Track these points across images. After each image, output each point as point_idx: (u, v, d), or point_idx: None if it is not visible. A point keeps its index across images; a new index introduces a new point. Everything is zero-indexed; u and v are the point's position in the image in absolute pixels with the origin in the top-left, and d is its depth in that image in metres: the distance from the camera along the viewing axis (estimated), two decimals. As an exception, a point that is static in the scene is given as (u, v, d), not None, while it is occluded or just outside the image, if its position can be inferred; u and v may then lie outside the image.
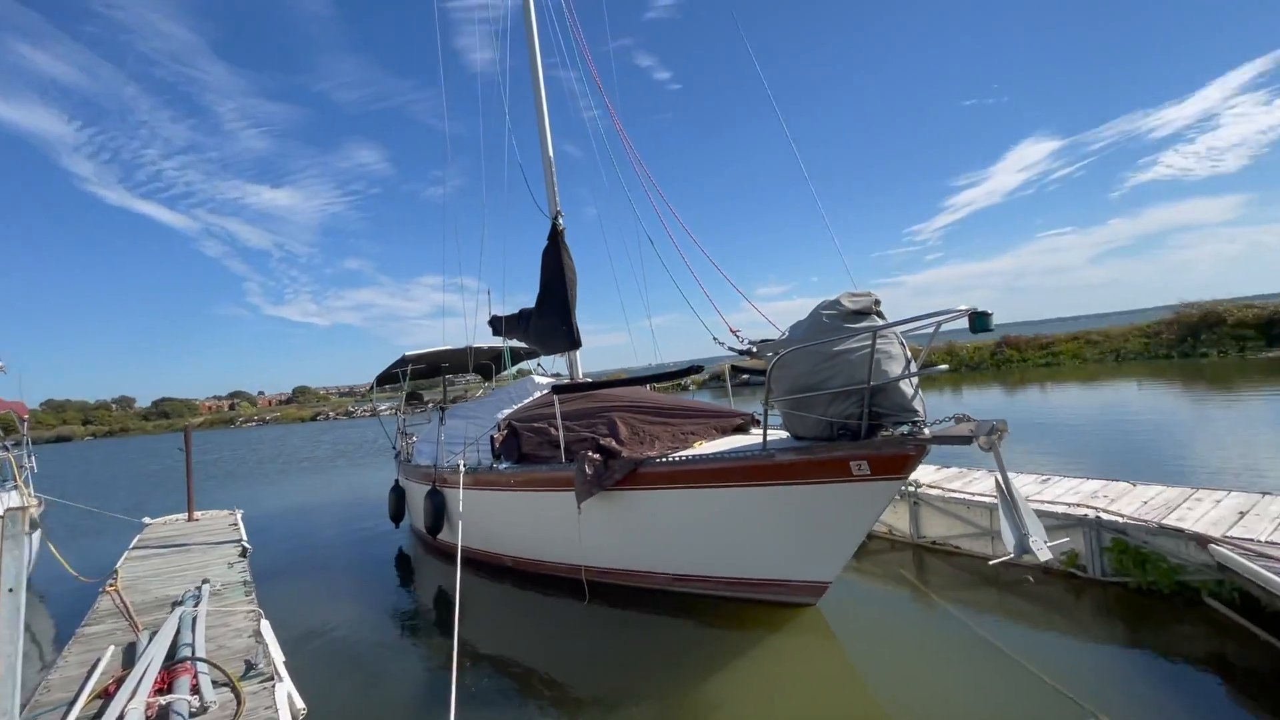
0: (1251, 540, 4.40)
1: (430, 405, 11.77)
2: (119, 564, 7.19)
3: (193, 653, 4.13)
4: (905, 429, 4.39)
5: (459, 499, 7.87)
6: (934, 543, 6.51)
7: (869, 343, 4.38)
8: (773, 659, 4.80)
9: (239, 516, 9.71)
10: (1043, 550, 3.72)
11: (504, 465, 7.00)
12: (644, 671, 4.81)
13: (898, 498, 6.77)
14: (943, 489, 6.58)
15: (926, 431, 4.32)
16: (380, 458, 20.47)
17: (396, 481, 9.92)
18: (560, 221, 8.50)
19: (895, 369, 4.42)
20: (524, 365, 12.47)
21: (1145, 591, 4.94)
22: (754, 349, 5.52)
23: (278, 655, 4.39)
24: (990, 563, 4.21)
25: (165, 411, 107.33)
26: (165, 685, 3.73)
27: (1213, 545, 4.41)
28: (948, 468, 7.49)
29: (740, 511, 5.26)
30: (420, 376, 12.85)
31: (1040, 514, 5.59)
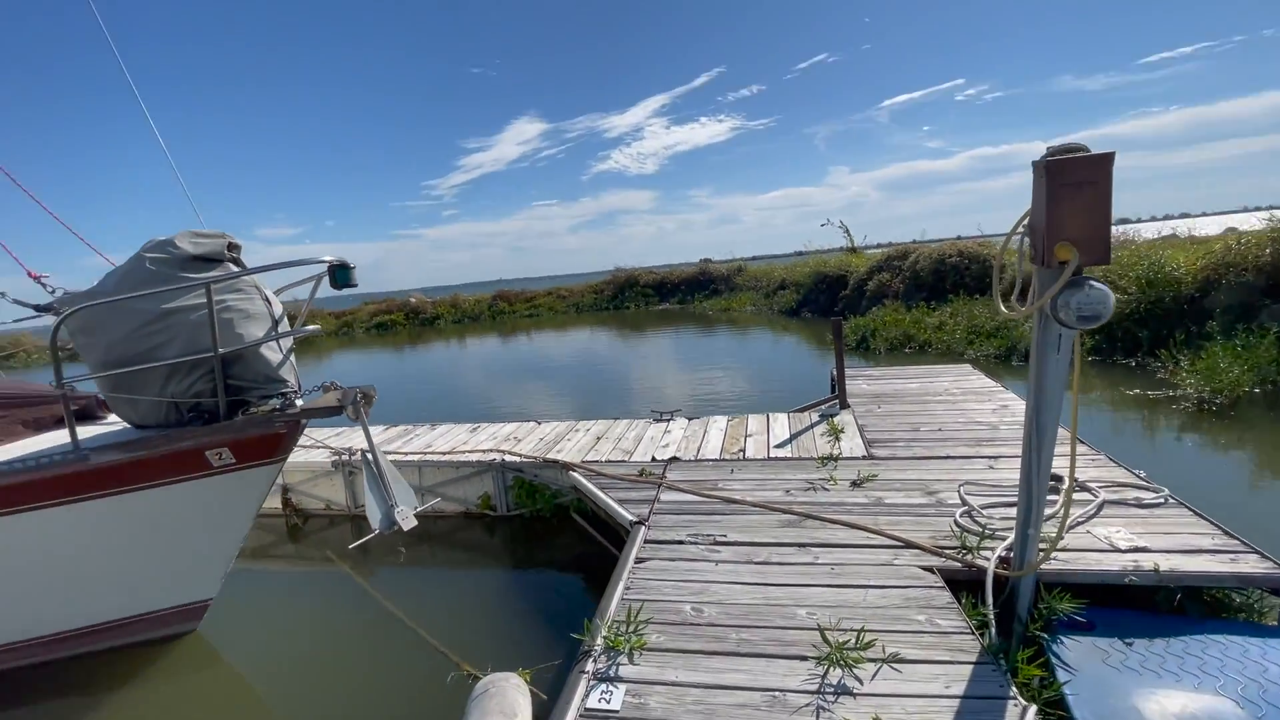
0: (596, 462, 5.46)
1: None
2: None
3: None
4: (276, 403, 3.66)
5: None
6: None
7: (222, 298, 3.45)
8: (156, 710, 3.58)
9: None
10: (408, 519, 3.60)
11: None
12: None
13: (331, 469, 6.14)
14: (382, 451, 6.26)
15: (299, 403, 3.70)
16: None
17: None
18: None
19: (256, 331, 3.59)
20: None
21: (537, 518, 5.68)
22: (58, 306, 3.80)
23: None
24: (350, 547, 3.97)
25: None
26: None
27: (571, 470, 5.28)
28: (395, 426, 7.28)
29: (58, 540, 3.66)
30: None
31: (460, 464, 5.83)
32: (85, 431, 3.82)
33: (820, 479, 4.67)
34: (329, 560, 5.40)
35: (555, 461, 5.54)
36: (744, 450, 5.50)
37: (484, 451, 5.99)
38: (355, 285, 3.53)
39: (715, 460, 5.32)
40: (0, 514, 3.48)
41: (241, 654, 4.21)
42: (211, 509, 3.85)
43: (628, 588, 3.37)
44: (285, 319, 3.87)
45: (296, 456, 6.30)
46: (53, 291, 4.01)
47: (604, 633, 2.87)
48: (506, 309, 32.63)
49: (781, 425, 6.16)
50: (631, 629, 2.90)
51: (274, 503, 6.22)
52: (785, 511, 4.11)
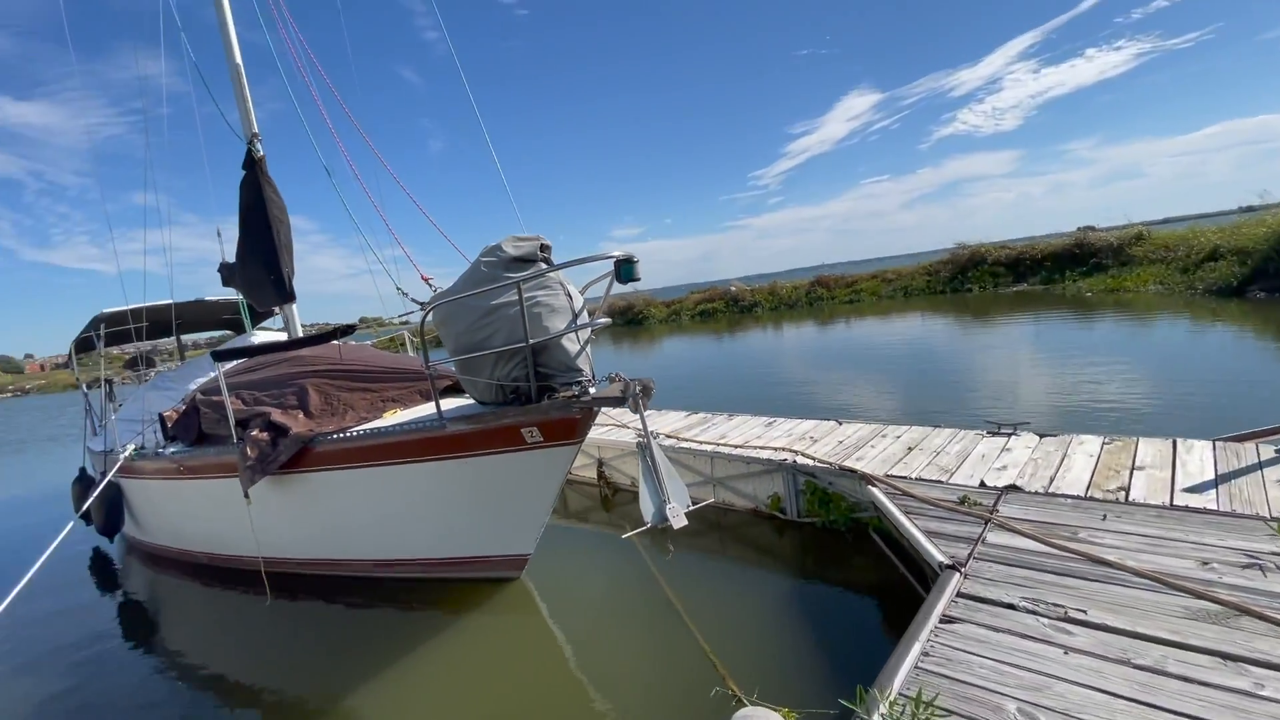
0: (904, 478, 4.60)
1: (145, 375, 9.74)
2: None
3: None
4: (574, 390, 3.96)
5: (132, 490, 6.54)
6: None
7: (533, 295, 3.86)
8: (475, 639, 4.43)
9: None
10: (679, 518, 3.48)
11: (173, 449, 5.76)
12: (337, 666, 4.31)
13: (636, 449, 6.57)
14: (678, 437, 6.47)
15: (592, 391, 3.93)
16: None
17: (82, 470, 8.13)
18: (258, 147, 7.00)
19: (557, 323, 3.91)
20: (268, 323, 10.76)
21: (830, 530, 5.11)
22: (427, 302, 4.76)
23: None
24: (623, 536, 3.98)
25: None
26: None
27: (870, 484, 4.55)
28: (696, 414, 7.45)
29: (423, 489, 4.64)
30: (149, 337, 10.65)
31: (750, 460, 5.60)
32: (453, 404, 4.73)
33: (1272, 553, 3.02)
34: (626, 530, 5.79)
35: (853, 471, 4.87)
36: (1127, 489, 3.96)
37: (776, 449, 5.64)
38: (639, 279, 3.54)
39: (1077, 498, 3.95)
40: (392, 463, 4.55)
41: (550, 602, 4.76)
42: (526, 478, 4.38)
43: (925, 653, 2.64)
44: (585, 312, 4.14)
45: (609, 434, 6.94)
46: (434, 290, 5.06)
47: (882, 709, 2.27)
48: (825, 295, 31.46)
49: (1200, 458, 4.28)
50: (922, 718, 2.22)
51: (591, 473, 6.97)
52: (1200, 596, 2.75)
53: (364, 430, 4.66)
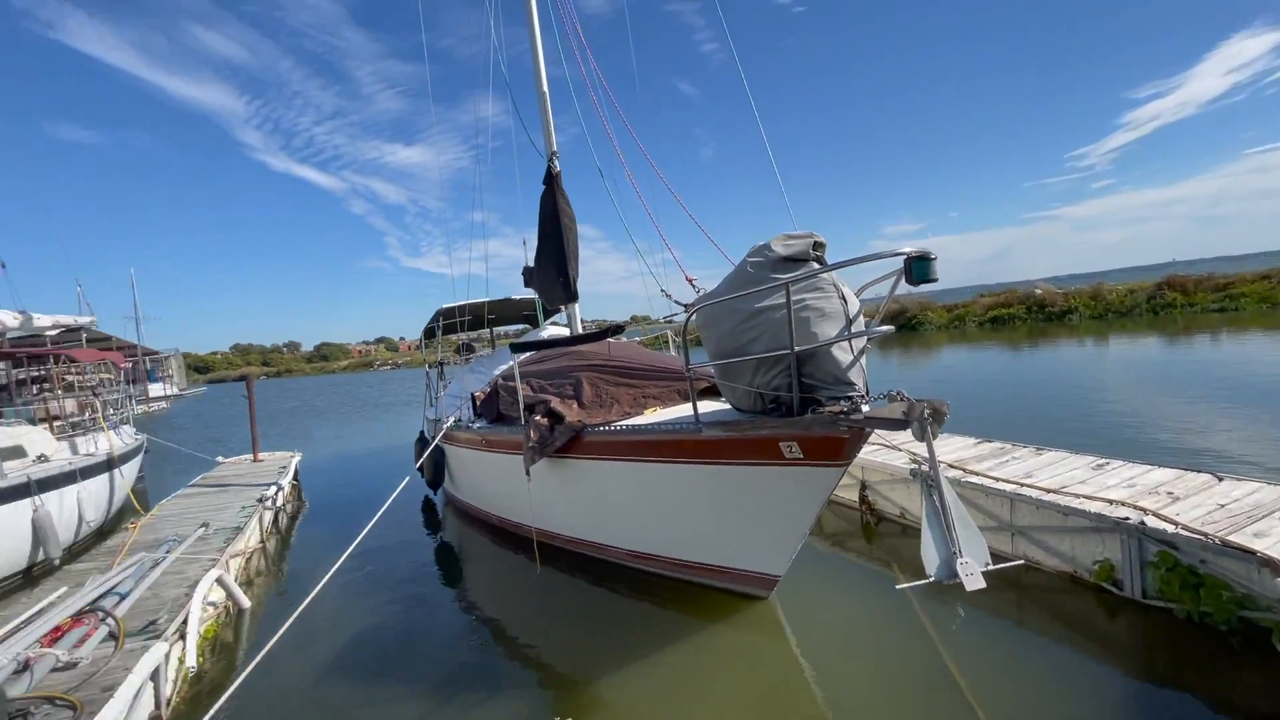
0: (1352, 577, 3.07)
1: (467, 359, 11.87)
2: (163, 501, 7.99)
3: (107, 604, 4.33)
4: (843, 405, 3.48)
5: (451, 454, 7.87)
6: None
7: (801, 298, 3.50)
8: (720, 653, 4.28)
9: (293, 461, 10.51)
10: (974, 577, 2.77)
11: (478, 424, 6.78)
12: (588, 644, 4.63)
13: (909, 477, 5.71)
14: (964, 470, 5.44)
15: (864, 409, 3.39)
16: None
17: (422, 433, 10.20)
18: (556, 164, 7.88)
19: (828, 330, 3.48)
20: (556, 318, 12.19)
21: (1199, 624, 3.71)
22: (690, 305, 4.68)
23: (196, 611, 4.52)
24: (899, 587, 3.27)
25: (325, 355, 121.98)
26: (61, 633, 3.92)
27: (1285, 579, 3.14)
28: (988, 442, 6.21)
29: (676, 490, 4.62)
30: (471, 328, 13.03)
31: (1070, 511, 4.41)
32: (710, 407, 4.63)
33: None
34: (893, 572, 5.03)
35: (1249, 551, 3.44)
36: None
37: (1112, 502, 4.32)
38: (935, 279, 2.92)
39: None
40: (649, 460, 4.60)
41: (800, 634, 4.33)
42: (781, 495, 4.04)
43: None
44: (861, 318, 3.63)
45: (876, 456, 6.17)
46: (698, 291, 5.01)
47: None
48: (1178, 301, 24.45)
49: None
50: None
51: (852, 495, 6.30)
52: None
53: (626, 425, 4.83)
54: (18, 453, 7.63)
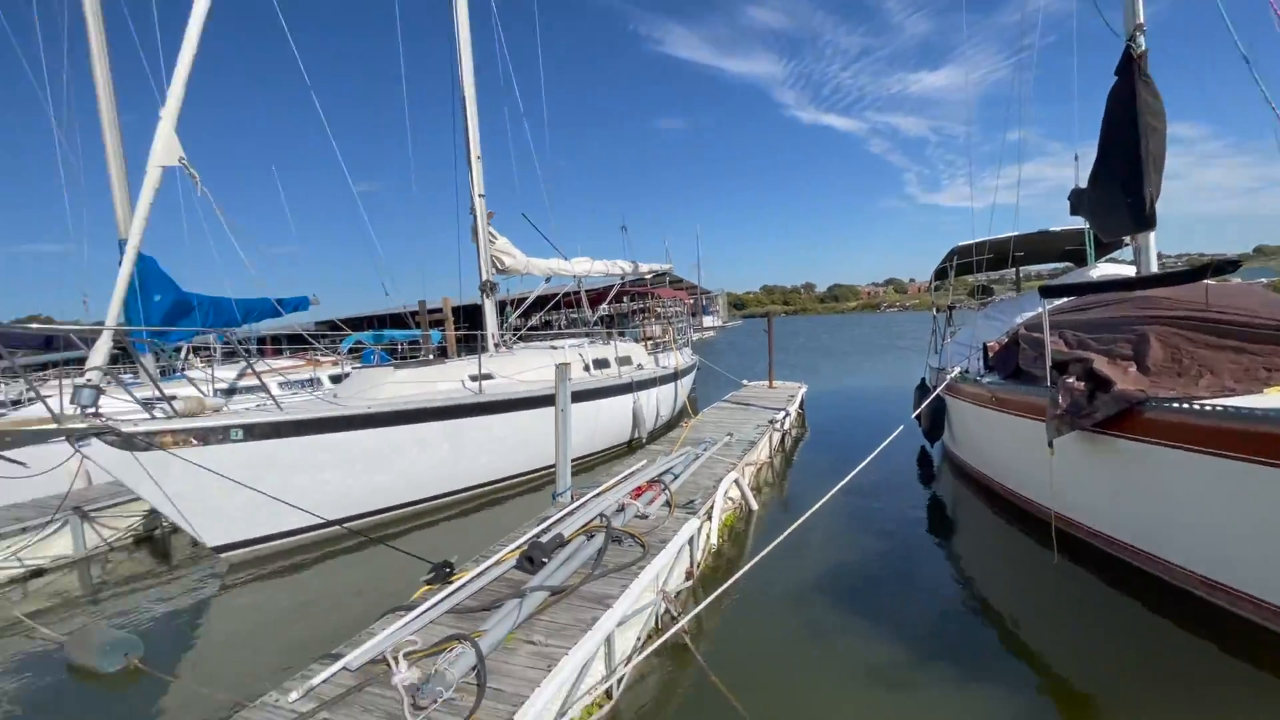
0: None
1: (983, 303, 10.47)
2: (705, 409, 10.09)
3: (667, 479, 5.75)
4: None
5: (953, 407, 7.23)
6: None
7: None
8: None
9: (800, 391, 11.66)
10: None
11: (989, 379, 5.91)
12: (1107, 661, 3.77)
13: None
14: None
15: None
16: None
17: (923, 380, 9.63)
18: (1140, 41, 5.84)
19: None
20: (1115, 255, 9.35)
21: None
22: None
23: (719, 501, 5.57)
24: None
25: (835, 295, 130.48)
26: (641, 492, 5.42)
27: None
28: None
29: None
30: (991, 268, 11.49)
31: None
32: None
33: None
34: None
35: None
36: None
37: None
38: None
39: None
40: (1263, 462, 3.04)
41: None
42: None
43: None
44: None
45: None
46: None
47: None
48: None
49: None
50: None
51: None
52: None
53: (1227, 407, 3.33)
54: (628, 361, 10.91)
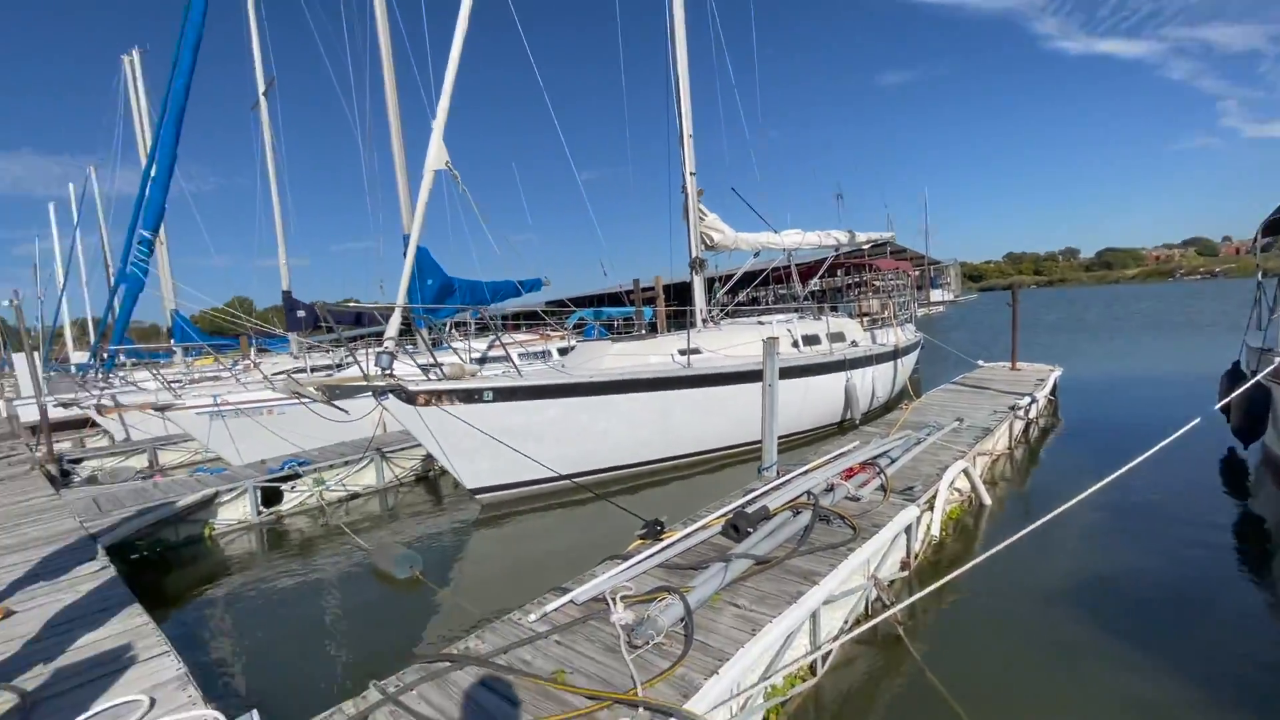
0: None
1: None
2: (930, 391, 9.16)
3: (883, 463, 5.38)
4: None
5: (1277, 399, 5.65)
6: None
7: None
8: None
9: (1053, 375, 9.96)
10: None
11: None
12: None
13: None
14: None
15: None
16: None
17: (1236, 363, 7.52)
18: None
19: None
20: None
21: None
22: None
23: (943, 491, 5.05)
24: None
25: (1108, 262, 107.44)
26: (852, 473, 5.16)
27: None
28: None
29: None
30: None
31: None
32: None
33: None
34: None
35: None
36: None
37: None
38: None
39: None
40: None
41: None
42: None
43: None
44: None
45: None
46: None
47: None
48: None
49: None
50: None
51: None
52: None
53: None
54: (840, 337, 10.34)
